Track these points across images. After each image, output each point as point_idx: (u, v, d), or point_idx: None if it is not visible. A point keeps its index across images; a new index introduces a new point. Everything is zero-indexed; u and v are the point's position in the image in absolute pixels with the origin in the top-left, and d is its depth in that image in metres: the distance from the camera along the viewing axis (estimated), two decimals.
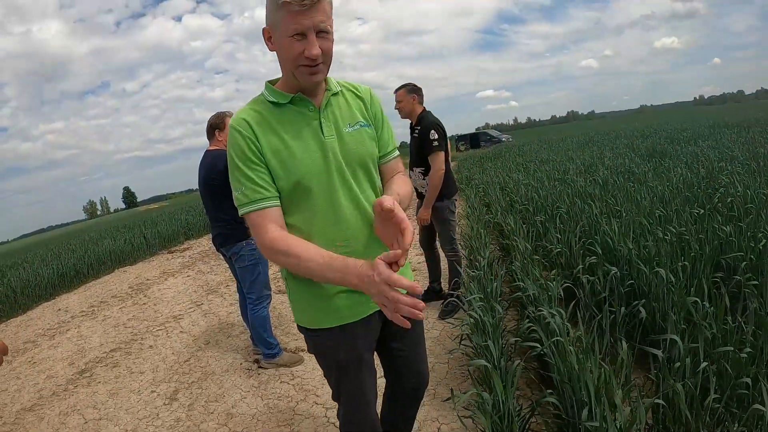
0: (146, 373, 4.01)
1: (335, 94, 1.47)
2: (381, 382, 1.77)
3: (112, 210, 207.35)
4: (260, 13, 1.34)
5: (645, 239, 3.59)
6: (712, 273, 3.06)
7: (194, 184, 4.82)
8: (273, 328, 3.64)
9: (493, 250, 4.91)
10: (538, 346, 2.55)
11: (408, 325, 1.15)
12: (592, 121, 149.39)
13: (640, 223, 4.01)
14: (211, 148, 3.42)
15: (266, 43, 1.37)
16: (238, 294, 3.87)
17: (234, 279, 3.92)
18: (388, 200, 1.15)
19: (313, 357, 1.83)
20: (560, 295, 3.18)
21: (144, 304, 6.54)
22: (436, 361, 3.26)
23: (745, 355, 2.04)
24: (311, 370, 3.41)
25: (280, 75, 1.43)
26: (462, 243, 5.06)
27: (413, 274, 5.06)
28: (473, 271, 3.80)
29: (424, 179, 3.79)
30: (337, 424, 1.75)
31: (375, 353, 1.67)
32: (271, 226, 1.34)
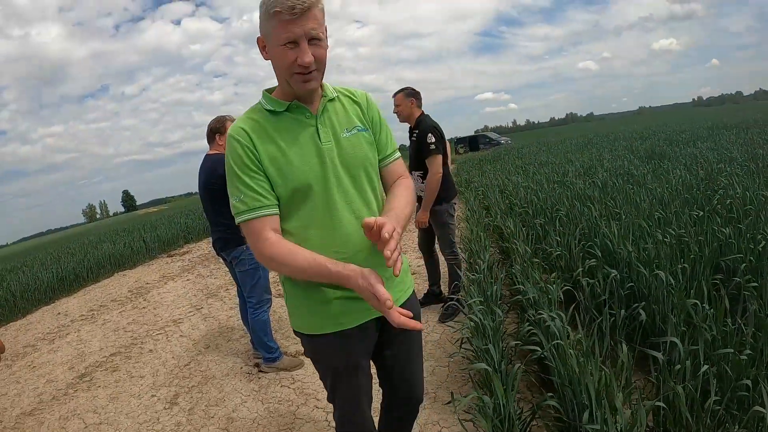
0: (146, 377, 4.01)
1: (331, 100, 1.48)
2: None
3: (111, 213, 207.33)
4: (258, 18, 1.35)
5: (644, 241, 3.59)
6: (712, 275, 3.06)
7: (193, 188, 4.82)
8: (273, 332, 3.64)
9: (492, 253, 4.91)
10: (539, 349, 2.55)
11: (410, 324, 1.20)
12: (591, 123, 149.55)
13: (639, 226, 4.01)
14: (211, 152, 3.43)
15: (261, 53, 1.38)
16: (238, 298, 3.87)
17: (234, 283, 3.92)
18: (386, 229, 1.20)
19: None
20: (560, 298, 3.18)
21: (144, 308, 6.53)
22: (437, 365, 3.26)
23: (745, 357, 2.04)
24: (312, 373, 3.41)
25: (275, 79, 1.44)
26: (461, 246, 5.06)
27: (413, 278, 5.07)
28: (473, 275, 3.80)
29: (422, 183, 3.80)
30: None
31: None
32: (267, 234, 1.36)
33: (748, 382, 1.94)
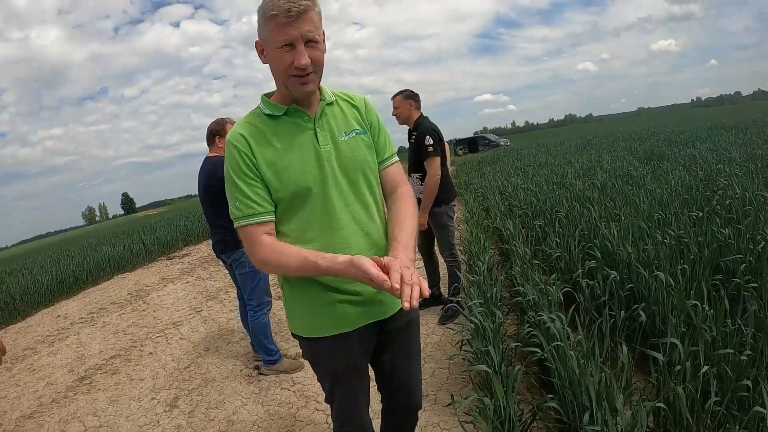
0: (146, 380, 4.00)
1: (330, 103, 1.48)
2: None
3: (110, 216, 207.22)
4: (257, 20, 1.36)
5: (644, 243, 3.59)
6: (712, 276, 3.06)
7: (193, 190, 4.83)
8: (273, 335, 3.64)
9: (492, 255, 4.91)
10: (539, 350, 2.55)
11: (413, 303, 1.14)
12: (590, 124, 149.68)
13: (639, 227, 4.01)
14: (210, 154, 3.42)
15: (259, 57, 1.40)
16: (238, 300, 3.87)
17: (233, 285, 3.92)
18: (395, 278, 1.16)
19: None
20: (560, 299, 3.18)
21: (143, 310, 6.53)
22: (437, 367, 3.26)
23: (745, 358, 2.04)
24: (312, 376, 3.40)
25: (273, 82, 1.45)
26: (461, 248, 5.06)
27: None
28: (473, 276, 3.80)
29: (421, 185, 3.80)
30: None
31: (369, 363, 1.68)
32: (261, 239, 1.38)
33: (749, 382, 1.94)
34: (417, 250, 4.41)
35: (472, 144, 40.26)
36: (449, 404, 2.67)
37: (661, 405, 1.95)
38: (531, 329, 2.77)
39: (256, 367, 3.67)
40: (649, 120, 63.74)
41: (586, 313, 3.10)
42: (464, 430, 2.30)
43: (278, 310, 4.72)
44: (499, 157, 21.83)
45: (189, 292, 7.09)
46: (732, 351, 2.09)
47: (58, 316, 7.36)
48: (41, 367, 4.90)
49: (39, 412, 3.79)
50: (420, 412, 1.81)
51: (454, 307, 3.76)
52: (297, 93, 1.36)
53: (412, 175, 3.90)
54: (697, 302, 2.50)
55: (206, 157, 3.45)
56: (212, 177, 3.25)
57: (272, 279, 3.89)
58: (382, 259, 1.22)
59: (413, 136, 3.83)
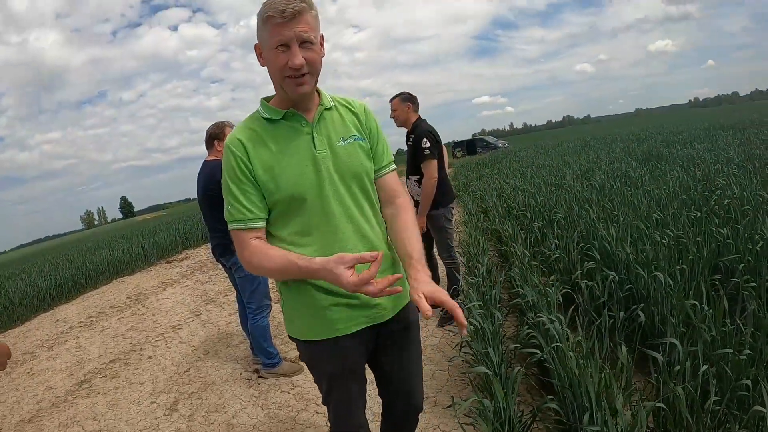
0: (146, 383, 4.00)
1: (329, 108, 1.49)
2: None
3: (109, 220, 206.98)
4: (255, 23, 1.37)
5: (643, 243, 3.60)
6: (710, 276, 3.06)
7: (191, 194, 4.82)
8: (273, 338, 3.63)
9: (491, 257, 4.91)
10: (538, 352, 2.55)
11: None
12: (588, 126, 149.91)
13: (637, 227, 4.01)
14: (209, 158, 3.42)
15: (258, 59, 1.41)
16: (237, 304, 3.87)
17: (233, 289, 3.91)
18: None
19: None
20: (559, 300, 3.18)
21: (142, 314, 6.52)
22: (437, 369, 3.26)
23: (745, 357, 2.05)
24: (311, 379, 3.38)
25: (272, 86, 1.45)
26: (460, 250, 5.06)
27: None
28: (472, 278, 3.80)
29: (419, 187, 3.80)
30: None
31: (368, 366, 1.68)
32: (249, 242, 1.41)
33: (748, 381, 1.94)
34: None
35: (470, 146, 40.25)
36: (449, 406, 2.68)
37: (661, 405, 1.95)
38: (530, 330, 2.77)
39: (256, 371, 3.67)
40: (647, 121, 63.81)
41: (586, 314, 3.10)
42: None
43: (278, 313, 4.71)
44: (497, 159, 21.83)
45: (188, 295, 7.08)
46: (731, 350, 2.09)
47: (58, 320, 7.35)
48: (40, 372, 4.89)
49: (38, 416, 3.79)
50: (420, 414, 1.81)
51: None
52: (292, 94, 1.37)
53: (410, 177, 3.90)
54: (696, 302, 2.50)
55: (205, 161, 3.44)
56: (211, 181, 3.25)
57: (271, 282, 3.89)
58: (376, 253, 1.25)
59: (411, 139, 3.83)
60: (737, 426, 1.85)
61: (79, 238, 56.61)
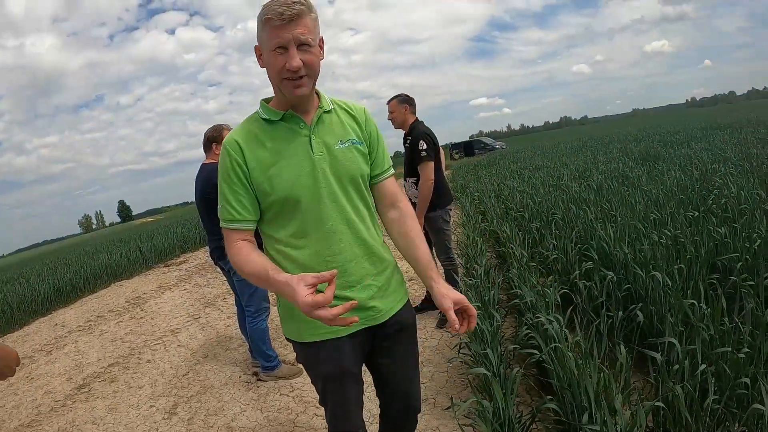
0: (145, 387, 3.99)
1: (328, 111, 1.50)
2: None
3: (107, 224, 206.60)
4: (252, 26, 1.38)
5: (640, 243, 3.60)
6: (708, 275, 3.07)
7: (189, 197, 4.82)
8: (272, 341, 3.62)
9: (489, 258, 4.91)
10: (537, 352, 2.55)
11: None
12: (585, 126, 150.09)
13: (635, 227, 4.02)
14: (207, 161, 3.42)
15: (258, 61, 1.42)
16: (236, 307, 3.86)
17: (231, 292, 3.91)
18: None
19: None
20: (557, 301, 3.19)
21: (141, 318, 6.51)
22: (436, 370, 3.26)
23: (743, 356, 2.05)
24: (310, 382, 3.39)
25: (271, 88, 1.46)
26: (458, 251, 5.07)
27: (410, 285, 5.07)
28: (470, 280, 3.80)
29: (416, 189, 3.80)
30: None
31: (365, 367, 1.69)
32: (236, 243, 1.43)
33: (747, 380, 1.95)
34: None
35: (467, 148, 40.23)
36: (448, 407, 2.67)
37: (660, 404, 1.95)
38: (529, 331, 2.77)
39: (255, 374, 3.66)
40: (644, 121, 63.92)
41: (584, 314, 3.10)
42: None
43: (276, 316, 4.69)
44: (495, 161, 21.83)
45: (187, 299, 7.07)
46: (730, 349, 2.09)
47: (56, 324, 7.34)
48: (39, 376, 4.88)
49: (37, 421, 3.78)
50: (419, 415, 1.81)
51: None
52: (290, 96, 1.37)
53: (407, 179, 3.91)
54: (694, 301, 2.50)
55: (203, 164, 3.44)
56: (209, 184, 3.24)
57: None
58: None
59: (408, 141, 3.83)
60: (736, 424, 1.86)
61: (78, 242, 56.52)
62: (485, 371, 2.38)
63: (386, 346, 1.59)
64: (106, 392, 4.06)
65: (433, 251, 4.19)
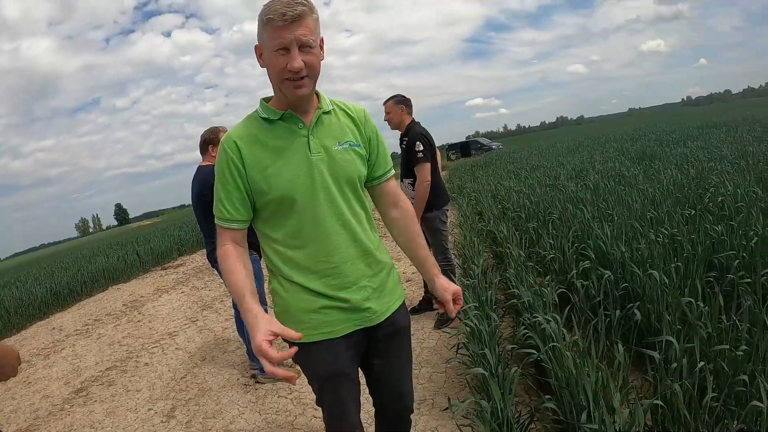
0: (143, 390, 3.98)
1: (327, 112, 1.49)
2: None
3: (104, 227, 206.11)
4: (248, 28, 1.37)
5: (637, 242, 3.61)
6: (706, 273, 3.07)
7: (186, 200, 4.82)
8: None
9: (486, 258, 4.92)
10: (535, 352, 2.55)
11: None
12: (582, 126, 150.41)
13: (632, 226, 4.03)
14: (203, 163, 3.41)
15: (258, 60, 1.41)
16: (233, 309, 3.85)
17: (228, 294, 3.90)
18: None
19: None
20: (555, 300, 3.19)
21: (138, 321, 6.49)
22: (434, 371, 3.25)
23: (741, 353, 2.05)
24: (307, 383, 3.39)
25: (270, 89, 1.46)
26: (455, 252, 5.06)
27: (407, 285, 5.07)
28: (467, 280, 3.80)
29: (413, 190, 3.80)
30: None
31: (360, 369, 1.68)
32: (225, 243, 1.46)
33: (745, 377, 1.95)
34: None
35: (464, 148, 40.27)
36: (446, 408, 2.67)
37: (659, 402, 1.95)
38: (527, 331, 2.77)
39: (253, 376, 3.66)
40: (640, 120, 64.07)
41: (582, 313, 3.11)
42: None
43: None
44: (491, 161, 21.87)
45: (184, 302, 7.05)
46: (728, 347, 2.10)
47: (53, 328, 7.32)
48: (37, 380, 4.86)
49: (35, 425, 3.76)
50: (418, 416, 1.81)
51: None
52: (290, 96, 1.37)
53: (404, 180, 3.90)
54: (691, 299, 2.51)
55: (199, 166, 3.43)
56: (205, 186, 3.23)
57: (267, 287, 3.88)
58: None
59: (404, 142, 3.84)
60: (735, 422, 1.86)
61: (74, 245, 56.42)
62: (483, 371, 2.38)
63: (381, 347, 1.59)
64: (104, 396, 4.04)
65: (431, 252, 4.19)
